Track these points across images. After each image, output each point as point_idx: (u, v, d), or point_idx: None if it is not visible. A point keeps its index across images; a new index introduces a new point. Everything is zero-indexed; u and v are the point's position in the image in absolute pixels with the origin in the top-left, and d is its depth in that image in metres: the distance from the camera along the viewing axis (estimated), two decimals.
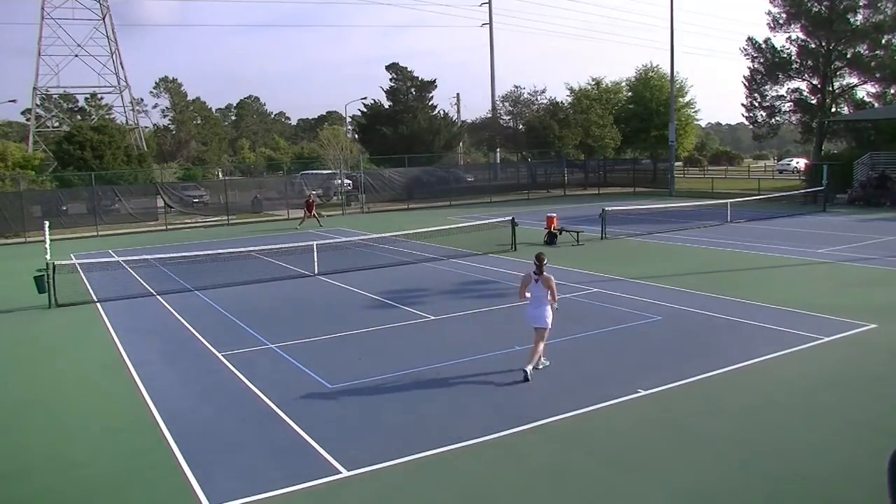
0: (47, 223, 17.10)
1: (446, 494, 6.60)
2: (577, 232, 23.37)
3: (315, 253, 19.19)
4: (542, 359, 9.70)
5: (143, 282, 18.52)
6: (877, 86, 46.83)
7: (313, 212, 31.83)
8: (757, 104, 49.97)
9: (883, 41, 44.14)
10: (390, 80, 58.99)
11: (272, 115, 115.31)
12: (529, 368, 9.33)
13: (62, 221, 32.09)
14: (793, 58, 47.36)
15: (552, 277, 9.52)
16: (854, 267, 17.37)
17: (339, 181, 44.22)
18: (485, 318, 13.43)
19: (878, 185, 33.12)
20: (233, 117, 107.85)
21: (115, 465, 7.41)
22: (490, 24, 63.90)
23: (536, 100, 54.33)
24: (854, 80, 47.34)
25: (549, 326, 9.49)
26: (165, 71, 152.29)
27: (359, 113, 59.64)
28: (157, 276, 19.28)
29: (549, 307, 9.46)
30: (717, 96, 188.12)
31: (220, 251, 21.55)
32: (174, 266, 20.60)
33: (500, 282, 16.93)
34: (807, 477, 6.67)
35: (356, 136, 61.94)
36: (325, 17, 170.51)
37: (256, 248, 21.68)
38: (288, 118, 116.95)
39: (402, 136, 53.52)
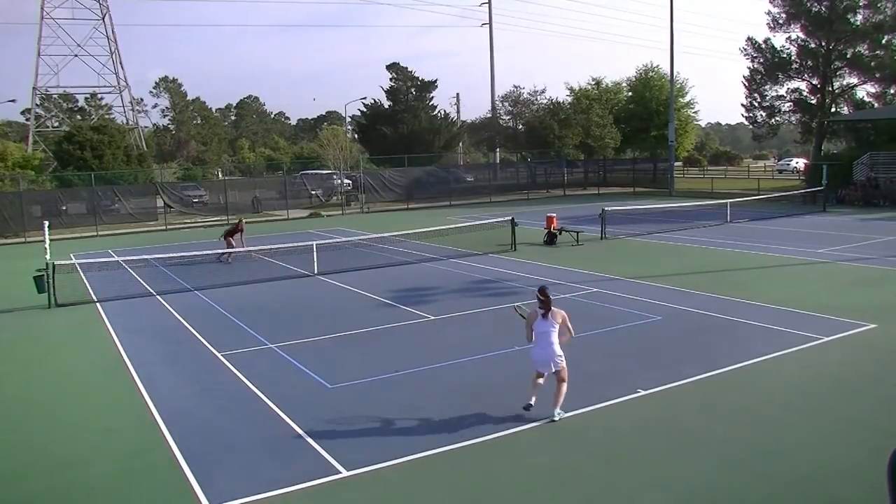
0: (47, 223, 17.11)
1: (446, 494, 6.60)
2: (577, 232, 23.36)
3: (315, 253, 19.19)
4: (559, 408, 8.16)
5: (143, 282, 18.52)
6: (877, 86, 46.83)
7: (237, 238, 21.95)
8: (757, 104, 49.95)
9: (883, 41, 44.12)
10: (390, 79, 58.94)
11: (272, 115, 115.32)
12: (560, 412, 8.13)
13: (62, 221, 32.07)
14: (793, 58, 47.33)
15: (563, 311, 8.26)
16: (854, 267, 17.38)
17: (339, 181, 44.21)
18: (485, 318, 13.43)
19: (873, 186, 33.48)
20: (233, 117, 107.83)
21: (115, 465, 7.41)
22: (490, 24, 63.89)
23: (536, 100, 54.42)
24: (854, 80, 47.34)
25: (564, 366, 8.13)
26: (165, 71, 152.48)
27: (358, 113, 59.64)
28: (157, 276, 19.28)
29: (559, 346, 8.10)
30: (717, 96, 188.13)
31: (220, 251, 21.54)
32: (174, 266, 20.60)
33: (501, 282, 16.93)
34: (807, 477, 6.67)
35: (356, 136, 61.91)
36: (326, 19, 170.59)
37: (256, 248, 21.68)
38: (287, 118, 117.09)
39: (402, 136, 53.47)
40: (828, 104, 47.40)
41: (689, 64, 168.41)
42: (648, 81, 55.04)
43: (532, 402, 8.10)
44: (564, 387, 8.16)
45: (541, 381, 8.17)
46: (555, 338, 8.05)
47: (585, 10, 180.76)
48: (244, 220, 23.14)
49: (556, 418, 8.04)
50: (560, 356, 8.07)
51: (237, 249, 21.60)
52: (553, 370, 8.06)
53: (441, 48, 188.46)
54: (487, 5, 64.05)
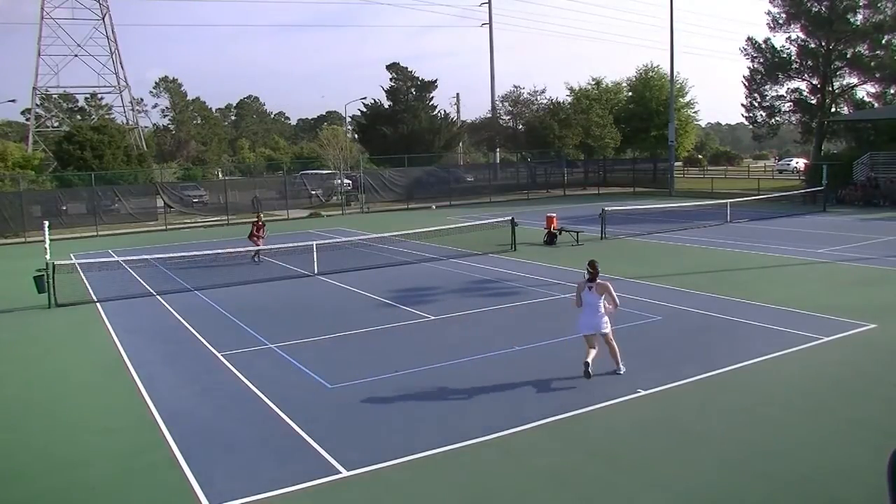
0: (47, 223, 17.10)
1: (446, 494, 6.60)
2: (577, 232, 23.36)
3: (315, 253, 19.19)
4: (619, 364, 9.64)
5: (143, 282, 18.51)
6: (877, 86, 46.79)
7: (261, 235, 21.98)
8: (757, 104, 49.93)
9: (883, 41, 44.09)
10: (390, 79, 58.93)
11: (272, 115, 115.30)
12: (622, 367, 9.56)
13: (62, 221, 32.07)
14: (793, 58, 47.31)
15: (608, 284, 9.46)
16: (854, 267, 17.37)
17: (339, 181, 44.20)
18: (485, 318, 13.42)
19: (873, 186, 33.53)
20: (233, 117, 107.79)
21: (114, 465, 7.41)
22: (490, 24, 63.90)
23: (536, 100, 54.44)
24: (854, 80, 47.31)
25: (609, 331, 9.42)
26: (165, 71, 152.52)
27: (358, 113, 59.64)
28: (157, 276, 19.28)
29: (604, 315, 9.35)
30: (717, 96, 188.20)
31: (220, 251, 21.53)
32: (174, 266, 20.60)
33: (501, 282, 16.93)
34: (807, 477, 6.67)
35: (356, 136, 61.90)
36: (325, 19, 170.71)
37: (256, 248, 21.66)
38: (287, 118, 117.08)
39: (402, 136, 53.45)
40: (828, 104, 47.38)
41: (689, 64, 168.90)
42: (648, 81, 55.06)
43: (589, 360, 9.26)
44: (615, 345, 9.47)
45: (594, 349, 9.33)
46: (600, 308, 9.27)
47: (585, 10, 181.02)
48: (262, 215, 23.50)
49: (621, 372, 9.47)
50: (605, 323, 9.32)
51: (259, 248, 21.60)
52: (599, 333, 9.30)
53: (441, 48, 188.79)
54: (487, 5, 64.13)
